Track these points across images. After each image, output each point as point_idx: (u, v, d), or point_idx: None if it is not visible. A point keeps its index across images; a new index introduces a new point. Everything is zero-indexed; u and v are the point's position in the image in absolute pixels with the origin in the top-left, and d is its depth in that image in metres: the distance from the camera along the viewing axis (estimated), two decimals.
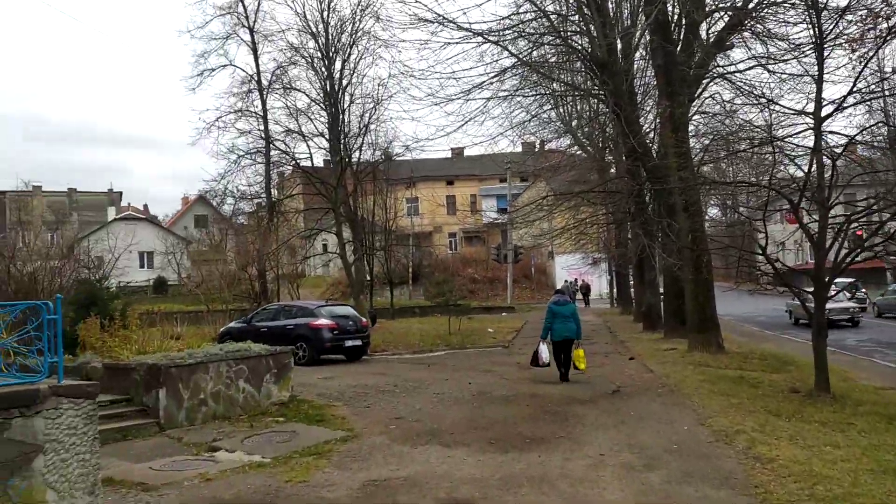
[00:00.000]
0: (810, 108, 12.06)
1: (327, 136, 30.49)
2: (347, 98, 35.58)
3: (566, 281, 49.27)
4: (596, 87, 22.69)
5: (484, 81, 20.29)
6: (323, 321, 18.69)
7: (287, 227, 34.83)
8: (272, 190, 39.11)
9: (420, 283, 53.86)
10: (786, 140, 11.64)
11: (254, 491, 7.37)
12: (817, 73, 11.81)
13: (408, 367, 17.79)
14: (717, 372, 14.16)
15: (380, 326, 28.70)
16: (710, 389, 12.06)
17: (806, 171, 11.98)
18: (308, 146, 29.38)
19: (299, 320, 19.03)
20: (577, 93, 24.07)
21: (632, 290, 39.95)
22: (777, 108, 13.24)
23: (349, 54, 35.93)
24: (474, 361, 18.85)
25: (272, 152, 33.73)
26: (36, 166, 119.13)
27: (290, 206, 41.57)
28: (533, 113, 24.53)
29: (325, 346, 18.63)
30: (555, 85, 23.85)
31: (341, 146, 28.89)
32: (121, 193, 77.04)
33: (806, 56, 13.84)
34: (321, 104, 30.04)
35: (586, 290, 50.07)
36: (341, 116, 34.40)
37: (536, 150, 50.74)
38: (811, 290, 12.17)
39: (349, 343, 19.02)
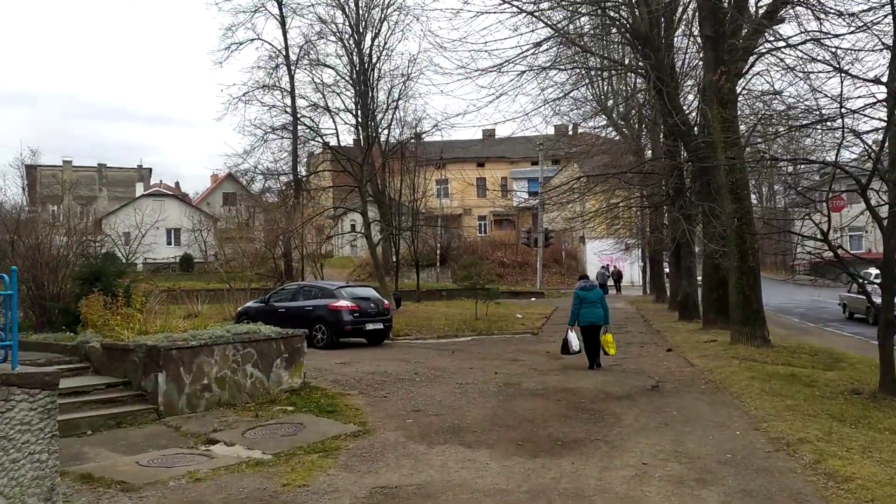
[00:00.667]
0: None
1: (355, 113, 29.51)
2: (376, 73, 34.74)
3: (602, 267, 47.99)
4: (636, 62, 21.43)
5: (518, 55, 19.20)
6: (343, 303, 17.81)
7: (314, 206, 34.02)
8: (300, 168, 38.45)
9: (448, 266, 52.90)
10: (858, 112, 10.35)
11: (245, 496, 6.46)
12: (893, 39, 10.53)
13: (431, 354, 16.85)
14: (766, 368, 12.99)
15: (404, 309, 27.80)
16: (760, 388, 10.92)
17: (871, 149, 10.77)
18: (334, 122, 28.44)
19: (318, 301, 18.17)
20: (615, 68, 22.75)
21: (666, 277, 38.73)
22: (843, 80, 11.91)
23: (379, 29, 34.97)
24: (501, 349, 17.86)
25: (299, 129, 32.88)
26: (71, 143, 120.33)
27: (319, 185, 40.78)
28: (567, 90, 23.26)
29: (345, 329, 17.75)
30: (592, 60, 22.57)
31: (368, 123, 27.87)
32: (150, 170, 76.99)
33: (876, 24, 12.51)
34: (349, 79, 29.02)
35: (618, 276, 48.82)
36: (370, 92, 33.46)
37: (569, 132, 49.56)
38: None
39: (370, 326, 18.13)
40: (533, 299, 38.00)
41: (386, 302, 19.09)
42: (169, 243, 59.52)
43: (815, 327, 25.40)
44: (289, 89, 36.20)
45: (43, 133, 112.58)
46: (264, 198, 43.49)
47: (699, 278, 24.23)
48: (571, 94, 30.17)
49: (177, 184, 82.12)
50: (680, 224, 21.50)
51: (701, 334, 19.32)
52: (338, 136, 27.29)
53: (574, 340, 14.09)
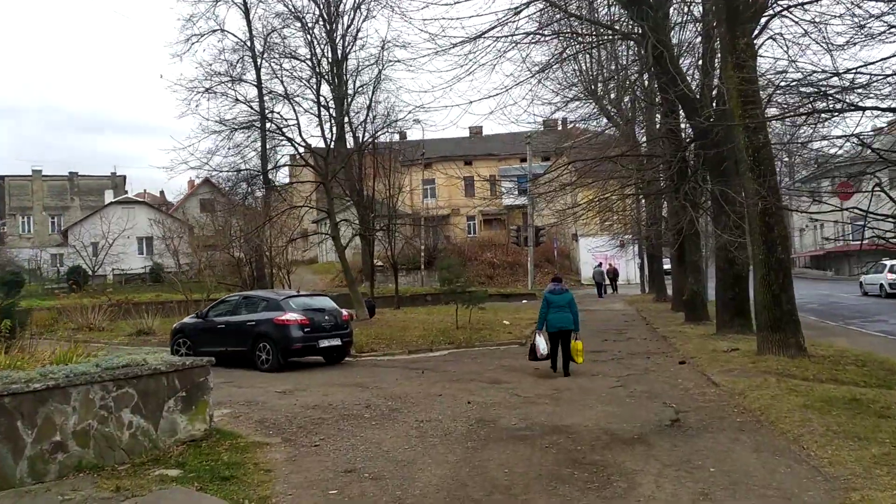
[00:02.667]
0: None
1: (325, 104, 26.55)
2: (348, 62, 31.96)
3: (598, 265, 45.31)
4: (630, 27, 18.64)
5: (494, 27, 16.37)
6: (291, 316, 14.90)
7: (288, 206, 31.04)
8: (268, 167, 35.50)
9: (434, 269, 49.92)
10: None
11: None
12: None
13: (395, 375, 13.98)
14: (813, 388, 10.14)
15: (378, 318, 24.93)
16: (822, 424, 8.05)
17: None
18: (295, 112, 25.43)
19: (262, 315, 15.27)
20: (606, 34, 19.87)
21: (667, 275, 35.95)
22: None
23: (353, 17, 32.21)
24: (481, 366, 14.99)
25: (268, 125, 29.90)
26: (56, 155, 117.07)
27: (296, 186, 37.71)
28: (552, 61, 20.27)
29: (294, 348, 14.87)
30: (579, 28, 19.69)
31: (341, 114, 24.96)
32: (124, 177, 73.80)
33: None
34: (316, 70, 26.07)
35: (614, 274, 46.05)
36: (341, 82, 30.63)
37: (559, 127, 46.78)
38: None
39: (324, 343, 15.24)
40: (524, 301, 35.12)
41: (345, 313, 16.19)
42: (141, 253, 56.43)
43: (838, 326, 22.61)
44: (255, 82, 33.42)
45: (25, 144, 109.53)
46: (243, 200, 40.59)
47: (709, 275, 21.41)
48: (556, 76, 27.60)
49: (161, 193, 78.90)
50: (686, 213, 18.66)
51: (716, 341, 16.49)
52: (299, 128, 24.38)
53: (542, 345, 13.27)
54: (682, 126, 22.39)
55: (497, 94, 17.12)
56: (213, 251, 36.74)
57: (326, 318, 15.44)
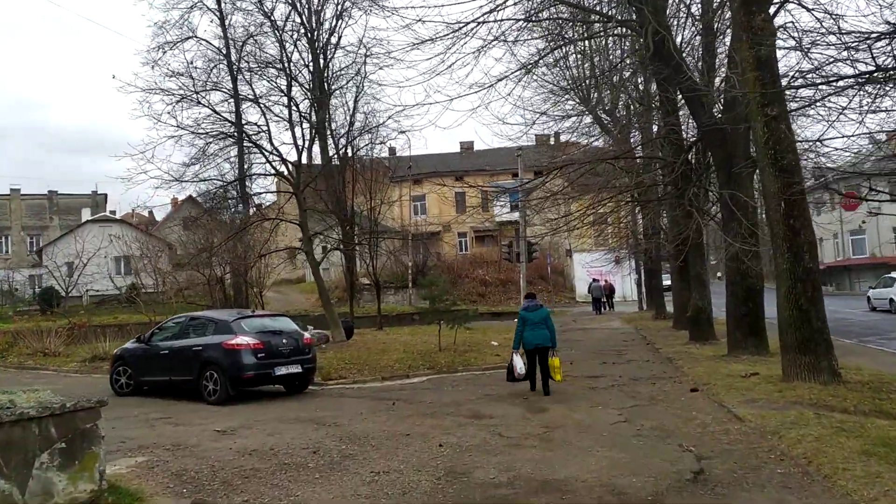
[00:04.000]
0: None
1: (294, 108, 24.68)
2: (329, 69, 30.22)
3: (593, 281, 43.61)
4: (628, 12, 16.88)
5: (477, 18, 14.63)
6: (242, 339, 12.90)
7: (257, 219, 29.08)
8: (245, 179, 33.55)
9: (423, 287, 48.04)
10: None
11: None
12: None
13: (362, 407, 11.99)
14: (864, 425, 8.21)
15: (357, 340, 22.95)
16: (893, 478, 6.13)
17: None
18: (265, 118, 23.47)
19: (210, 338, 13.27)
20: (600, 20, 18.07)
21: (665, 290, 34.12)
22: None
23: (334, 25, 30.50)
24: (462, 395, 13.02)
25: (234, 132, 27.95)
26: (36, 173, 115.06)
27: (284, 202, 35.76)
28: (543, 52, 18.42)
29: (245, 376, 12.85)
30: (569, 14, 17.91)
31: (302, 114, 23.11)
32: (105, 196, 71.62)
33: None
34: (284, 69, 24.22)
35: (610, 291, 44.19)
36: (319, 92, 28.85)
37: (551, 142, 45.11)
38: None
39: (281, 371, 13.24)
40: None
41: (307, 336, 14.18)
42: (118, 273, 54.17)
43: (854, 344, 20.70)
44: (230, 91, 31.61)
45: (10, 164, 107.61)
46: (218, 216, 38.65)
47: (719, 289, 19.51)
48: (546, 80, 25.87)
49: (150, 212, 76.63)
50: (692, 221, 16.81)
51: (729, 363, 14.56)
52: (269, 135, 22.45)
53: (519, 364, 12.78)
54: (683, 127, 20.71)
55: (481, 90, 15.25)
56: (192, 270, 34.77)
57: (284, 341, 13.45)
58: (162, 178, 24.37)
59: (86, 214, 58.73)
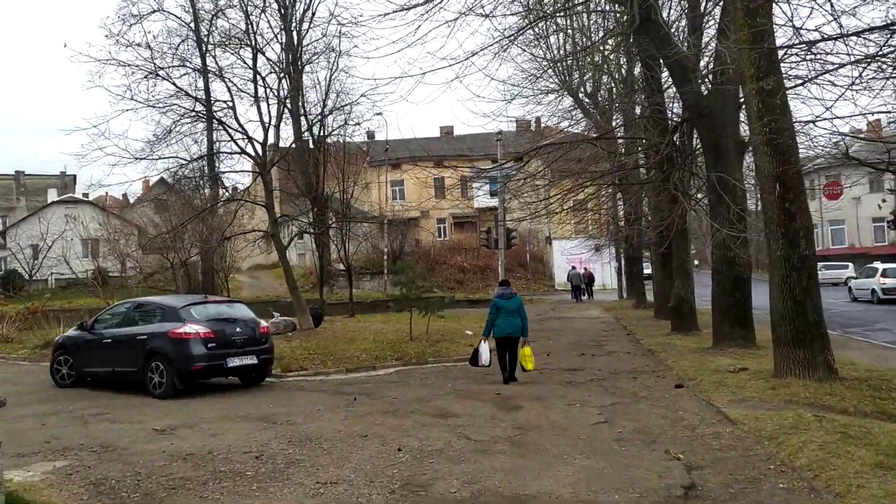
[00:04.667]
0: None
1: (264, 83, 23.43)
2: (301, 48, 29.05)
3: (572, 268, 42.95)
4: None
5: None
6: (191, 328, 11.83)
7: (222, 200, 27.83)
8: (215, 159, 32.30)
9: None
10: None
11: None
12: None
13: (320, 403, 11.01)
14: (870, 430, 7.36)
15: (326, 328, 21.92)
16: None
17: None
18: (230, 93, 22.18)
19: (156, 326, 12.19)
20: None
21: (646, 278, 33.37)
22: None
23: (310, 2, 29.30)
24: (429, 389, 12.07)
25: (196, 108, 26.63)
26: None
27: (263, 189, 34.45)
28: (520, 30, 17.37)
29: (194, 368, 11.78)
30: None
31: (266, 87, 21.87)
32: (74, 177, 69.56)
33: None
34: (250, 43, 22.96)
35: (590, 279, 43.44)
36: (291, 70, 27.64)
37: (532, 128, 44.18)
38: None
39: (235, 362, 12.18)
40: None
41: (264, 324, 13.12)
42: (86, 256, 52.59)
43: (839, 336, 19.94)
44: (200, 68, 30.28)
45: None
46: (189, 197, 37.33)
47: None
48: (524, 59, 24.85)
49: (124, 195, 74.66)
50: (677, 206, 15.97)
51: (715, 356, 13.74)
52: (235, 111, 21.22)
53: (485, 353, 12.56)
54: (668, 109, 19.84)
55: (456, 64, 14.24)
56: (155, 254, 33.53)
57: (238, 330, 12.39)
58: (119, 155, 22.87)
59: (52, 195, 56.96)
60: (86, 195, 62.47)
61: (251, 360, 12.39)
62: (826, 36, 8.79)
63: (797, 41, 10.25)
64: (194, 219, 21.92)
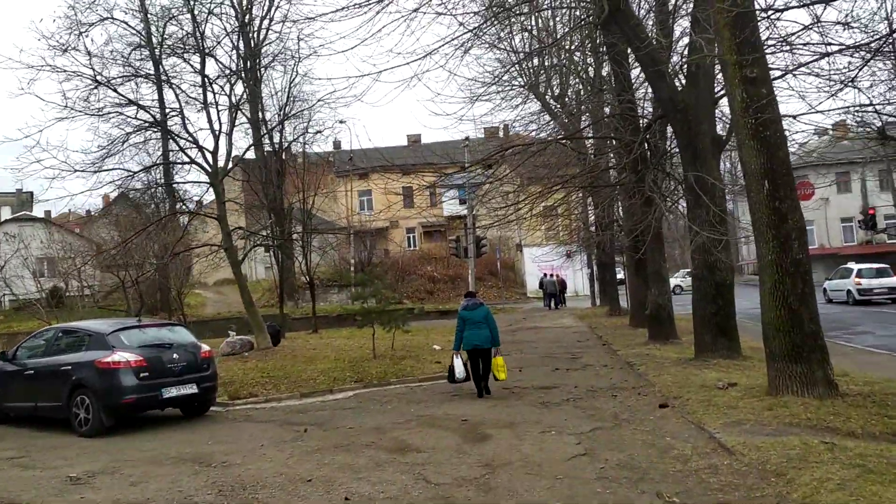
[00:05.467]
0: None
1: (212, 89, 22.14)
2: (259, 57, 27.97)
3: (545, 275, 42.10)
4: None
5: None
6: (120, 356, 10.54)
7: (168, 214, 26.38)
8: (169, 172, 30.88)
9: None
10: None
11: None
12: None
13: (265, 437, 9.80)
14: (889, 458, 6.37)
15: (285, 346, 20.62)
16: None
17: None
18: (178, 98, 20.81)
19: (82, 355, 10.88)
20: None
21: (621, 285, 32.51)
22: None
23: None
24: (389, 416, 10.90)
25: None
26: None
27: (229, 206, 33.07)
28: (483, 21, 16.35)
29: (124, 402, 10.49)
30: None
31: (214, 93, 20.59)
32: (31, 194, 67.23)
33: None
34: (196, 46, 21.67)
35: (562, 287, 42.49)
36: (250, 78, 26.50)
37: (500, 134, 43.36)
38: None
39: (171, 392, 10.91)
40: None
41: (205, 349, 11.85)
42: (42, 275, 50.53)
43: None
44: (150, 74, 28.90)
45: None
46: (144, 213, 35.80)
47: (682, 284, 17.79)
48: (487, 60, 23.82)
49: (88, 212, 72.23)
50: (652, 208, 15.01)
51: (700, 368, 12.77)
52: (183, 118, 19.93)
53: (459, 367, 12.20)
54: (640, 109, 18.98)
55: (413, 62, 13.16)
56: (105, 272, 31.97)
57: (176, 356, 11.13)
58: (57, 168, 21.40)
59: (6, 213, 54.84)
60: (48, 213, 60.39)
61: (191, 389, 11.13)
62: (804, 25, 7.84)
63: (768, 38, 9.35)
64: (139, 234, 20.53)
